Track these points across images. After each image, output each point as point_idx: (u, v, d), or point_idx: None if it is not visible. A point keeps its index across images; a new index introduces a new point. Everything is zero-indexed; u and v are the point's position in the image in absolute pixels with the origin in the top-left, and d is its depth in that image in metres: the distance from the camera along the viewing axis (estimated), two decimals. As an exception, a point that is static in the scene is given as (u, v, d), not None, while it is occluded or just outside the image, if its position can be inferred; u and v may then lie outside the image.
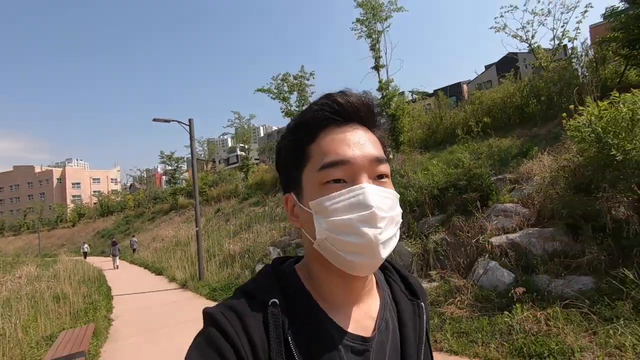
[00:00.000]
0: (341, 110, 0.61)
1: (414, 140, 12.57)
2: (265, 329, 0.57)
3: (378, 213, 0.56)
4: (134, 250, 21.02)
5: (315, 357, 0.57)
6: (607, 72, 9.22)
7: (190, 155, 11.97)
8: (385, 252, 0.58)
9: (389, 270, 0.75)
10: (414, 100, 18.80)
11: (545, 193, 5.58)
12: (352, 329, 0.62)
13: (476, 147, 8.10)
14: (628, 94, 4.72)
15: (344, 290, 0.64)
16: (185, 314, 7.36)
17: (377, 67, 14.07)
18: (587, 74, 9.01)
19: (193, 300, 8.71)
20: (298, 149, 0.62)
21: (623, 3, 8.68)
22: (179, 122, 11.14)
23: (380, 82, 13.91)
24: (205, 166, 40.89)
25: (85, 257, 21.45)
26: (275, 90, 17.60)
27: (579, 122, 4.89)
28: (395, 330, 0.67)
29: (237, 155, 27.26)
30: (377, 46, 13.92)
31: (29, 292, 9.98)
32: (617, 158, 4.34)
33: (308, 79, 17.71)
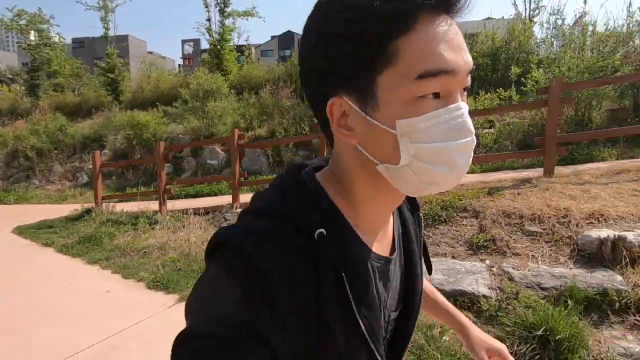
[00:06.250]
0: None
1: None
2: (311, 269, 0.43)
3: (474, 140, 0.45)
4: None
5: (361, 294, 0.46)
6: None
7: None
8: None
9: None
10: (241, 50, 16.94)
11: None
12: (378, 249, 0.54)
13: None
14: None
15: (384, 211, 0.54)
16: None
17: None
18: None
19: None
20: (377, 41, 0.42)
21: None
22: None
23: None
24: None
25: None
26: (10, 23, 16.41)
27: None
28: (400, 244, 0.61)
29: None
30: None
31: None
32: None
33: (48, 21, 17.30)
